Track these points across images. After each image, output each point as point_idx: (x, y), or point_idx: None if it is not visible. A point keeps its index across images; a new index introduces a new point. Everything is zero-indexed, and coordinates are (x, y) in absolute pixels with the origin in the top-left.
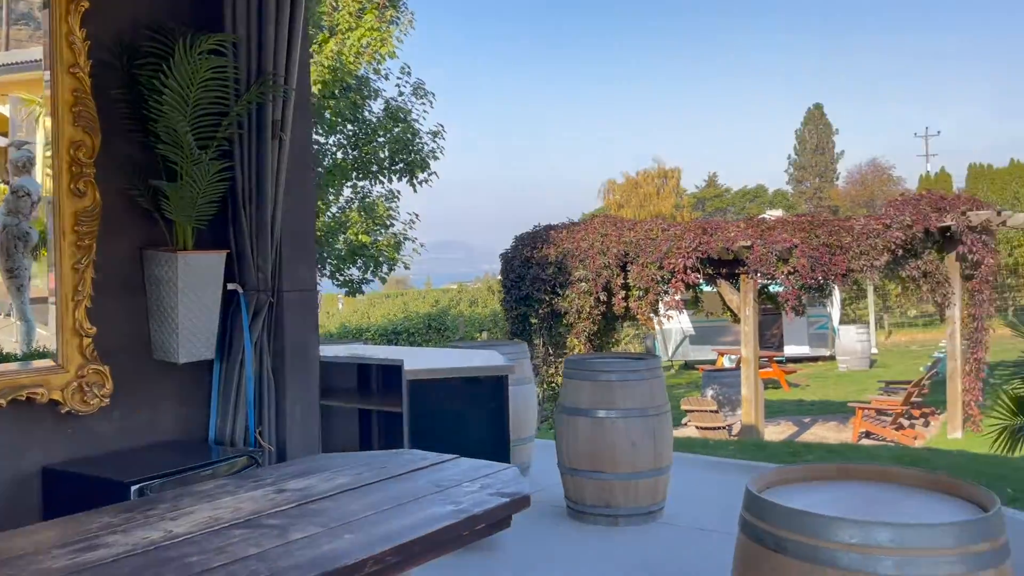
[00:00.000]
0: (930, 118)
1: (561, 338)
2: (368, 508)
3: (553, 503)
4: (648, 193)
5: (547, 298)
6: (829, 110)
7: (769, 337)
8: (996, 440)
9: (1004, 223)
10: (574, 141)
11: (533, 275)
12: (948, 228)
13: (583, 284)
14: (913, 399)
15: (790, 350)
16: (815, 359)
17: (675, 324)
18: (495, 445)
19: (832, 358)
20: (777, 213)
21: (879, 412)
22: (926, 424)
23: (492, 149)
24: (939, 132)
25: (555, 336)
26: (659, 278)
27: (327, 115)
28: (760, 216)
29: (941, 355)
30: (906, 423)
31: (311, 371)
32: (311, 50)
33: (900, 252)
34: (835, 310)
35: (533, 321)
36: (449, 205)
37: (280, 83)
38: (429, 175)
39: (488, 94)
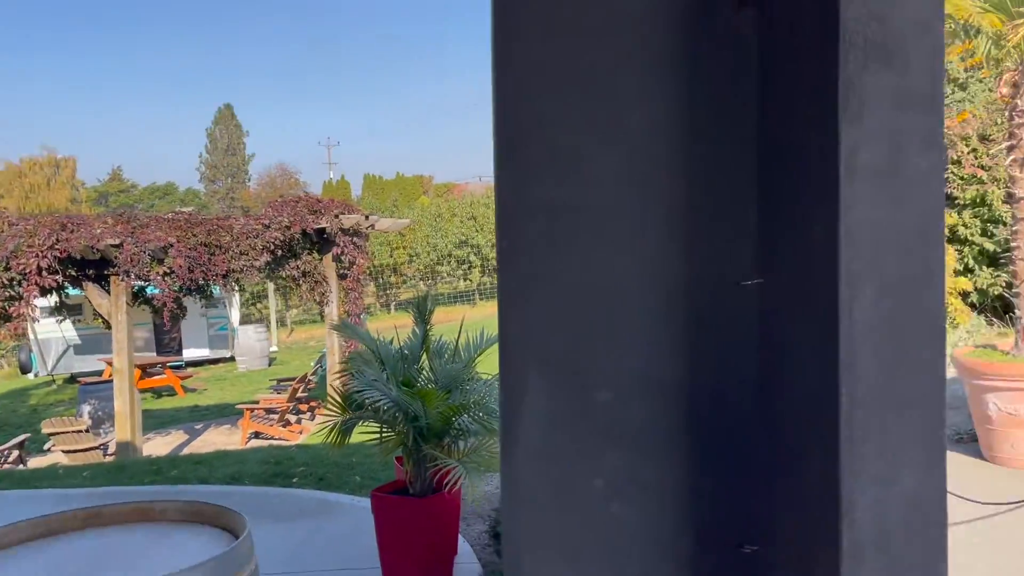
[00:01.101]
0: (333, 128)
1: None
2: None
3: None
4: (36, 183)
5: None
6: (240, 111)
7: (168, 341)
8: (328, 435)
9: (372, 226)
10: None
11: None
12: (324, 230)
13: None
14: (299, 395)
15: (190, 353)
16: (216, 361)
17: (55, 333)
18: None
19: (232, 359)
20: (188, 211)
21: (268, 411)
22: (312, 418)
23: None
24: (339, 143)
25: None
26: (6, 281)
27: None
28: (133, 212)
29: (326, 351)
30: (293, 419)
31: None
32: None
33: (280, 252)
34: (234, 310)
35: None
36: None
37: None
38: None
39: None
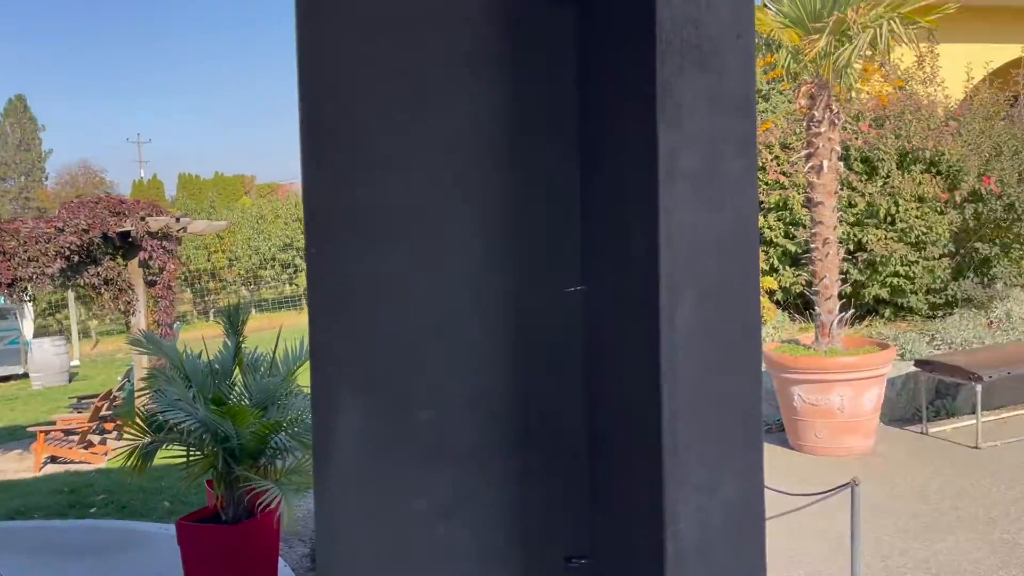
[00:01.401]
0: (144, 124)
1: None
2: None
3: None
4: None
5: None
6: (33, 103)
7: None
8: (128, 459)
9: (185, 229)
10: None
11: None
12: (129, 233)
13: None
14: (103, 413)
15: None
16: (7, 379)
17: None
18: None
19: (26, 376)
20: None
21: (67, 432)
22: (119, 437)
23: None
24: (151, 140)
25: None
26: None
27: None
28: None
29: (133, 364)
30: (96, 440)
31: None
32: None
33: (77, 258)
34: (27, 322)
35: None
36: None
37: None
38: None
39: None
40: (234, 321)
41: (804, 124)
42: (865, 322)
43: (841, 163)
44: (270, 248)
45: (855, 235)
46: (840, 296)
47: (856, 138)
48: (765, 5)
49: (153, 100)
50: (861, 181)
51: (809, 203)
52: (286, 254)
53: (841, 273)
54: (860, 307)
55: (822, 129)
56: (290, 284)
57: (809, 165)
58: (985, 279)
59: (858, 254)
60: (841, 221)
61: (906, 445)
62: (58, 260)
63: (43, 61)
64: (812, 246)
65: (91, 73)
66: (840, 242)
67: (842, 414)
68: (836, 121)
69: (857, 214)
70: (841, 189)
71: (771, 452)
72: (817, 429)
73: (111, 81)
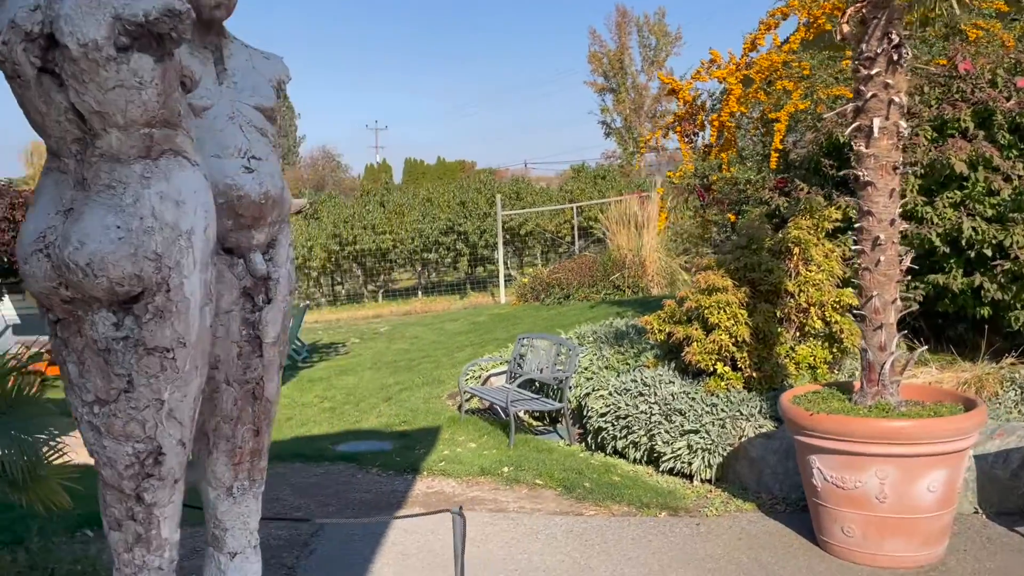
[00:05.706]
0: (381, 111)
1: None
2: None
3: None
4: None
5: None
6: (292, 93)
7: None
8: None
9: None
10: None
11: None
12: None
13: None
14: None
15: None
16: None
17: None
18: None
19: None
20: None
21: None
22: None
23: None
24: (387, 127)
25: None
26: None
27: None
28: None
29: None
30: None
31: None
32: None
33: None
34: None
35: None
36: None
37: None
38: None
39: None
40: None
41: (852, 64)
42: (1007, 359)
43: (904, 123)
44: (433, 231)
45: (994, 235)
46: (974, 319)
47: (1007, 98)
48: None
49: (393, 89)
50: (1009, 159)
51: (855, 183)
52: (447, 237)
53: (972, 287)
54: (1004, 337)
55: (874, 71)
56: (453, 268)
57: (854, 125)
58: None
59: (998, 262)
60: (973, 214)
61: (998, 560)
62: None
63: (304, 52)
64: (858, 249)
65: (342, 66)
66: (970, 244)
67: (882, 505)
68: (898, 58)
69: (998, 205)
70: (975, 169)
71: (786, 547)
72: (846, 522)
73: (358, 72)
